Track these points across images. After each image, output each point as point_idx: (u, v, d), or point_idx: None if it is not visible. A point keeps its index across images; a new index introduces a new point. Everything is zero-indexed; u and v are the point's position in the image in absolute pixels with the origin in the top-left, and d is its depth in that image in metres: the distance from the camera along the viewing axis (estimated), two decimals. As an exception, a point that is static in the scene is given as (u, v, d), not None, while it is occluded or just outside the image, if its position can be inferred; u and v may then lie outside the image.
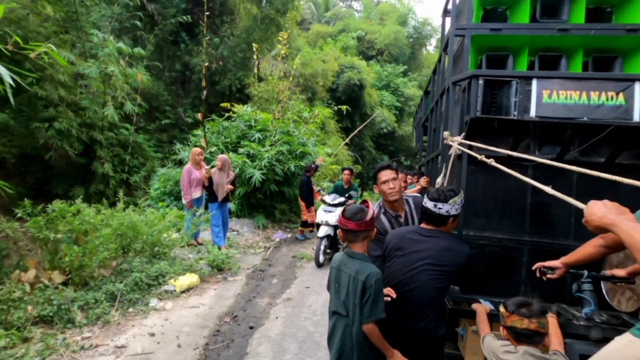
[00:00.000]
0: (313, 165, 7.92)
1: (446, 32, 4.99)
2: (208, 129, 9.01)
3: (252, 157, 8.40)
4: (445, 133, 2.86)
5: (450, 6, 4.46)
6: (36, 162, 9.34)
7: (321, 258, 6.04)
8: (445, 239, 2.10)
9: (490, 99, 2.51)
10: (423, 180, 4.51)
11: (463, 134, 2.64)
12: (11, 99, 2.22)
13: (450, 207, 2.05)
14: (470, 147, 2.47)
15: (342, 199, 6.43)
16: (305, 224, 8.05)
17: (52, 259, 3.84)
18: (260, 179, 7.84)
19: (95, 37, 10.52)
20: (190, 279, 4.51)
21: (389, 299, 1.98)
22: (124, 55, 10.78)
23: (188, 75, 16.01)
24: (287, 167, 8.42)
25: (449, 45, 3.87)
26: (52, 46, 2.51)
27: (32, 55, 2.51)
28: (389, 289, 2.03)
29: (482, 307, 2.08)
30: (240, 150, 8.62)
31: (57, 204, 3.93)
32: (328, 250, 6.25)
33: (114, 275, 4.10)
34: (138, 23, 13.16)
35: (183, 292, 4.35)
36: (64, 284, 3.73)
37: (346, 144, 16.46)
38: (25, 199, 3.88)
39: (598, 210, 1.25)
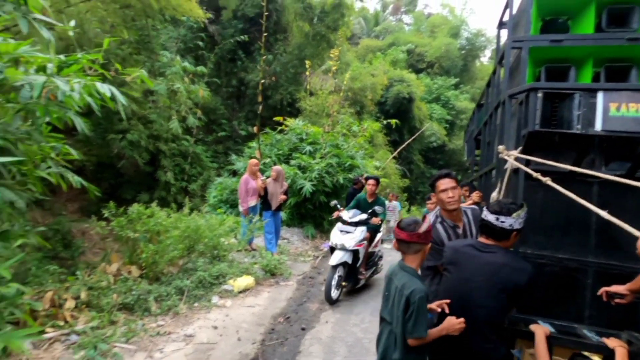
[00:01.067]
0: (361, 178, 7.94)
1: (502, 44, 4.90)
2: (262, 141, 9.46)
3: (303, 168, 8.68)
4: (500, 147, 2.76)
5: (506, 18, 4.38)
6: (109, 170, 10.40)
7: (334, 293, 4.65)
8: (505, 255, 1.96)
9: (550, 112, 2.42)
10: (475, 195, 4.33)
11: (520, 148, 2.55)
12: (98, 113, 2.59)
13: (514, 221, 1.92)
14: (527, 162, 2.36)
15: (363, 216, 5.03)
16: None
17: (130, 255, 4.31)
18: (311, 190, 8.07)
19: (164, 57, 11.57)
20: (246, 280, 4.79)
21: (439, 310, 1.96)
22: (188, 73, 11.76)
23: (243, 90, 16.95)
24: (336, 179, 8.59)
25: (505, 58, 3.78)
26: (144, 71, 2.89)
27: (128, 79, 2.89)
28: (442, 302, 1.97)
29: (542, 330, 1.93)
30: (292, 162, 8.95)
31: (136, 207, 4.42)
32: (344, 283, 4.89)
33: (181, 272, 4.49)
34: (200, 43, 14.25)
35: (240, 292, 4.63)
36: (140, 277, 4.15)
37: (394, 158, 16.35)
38: (111, 201, 4.41)
39: None
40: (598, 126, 2.29)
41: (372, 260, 5.53)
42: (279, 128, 10.56)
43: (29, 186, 2.44)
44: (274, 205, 6.31)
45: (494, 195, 2.85)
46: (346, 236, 4.83)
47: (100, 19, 9.07)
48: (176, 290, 4.14)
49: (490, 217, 1.98)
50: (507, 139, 2.91)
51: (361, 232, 4.90)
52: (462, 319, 1.86)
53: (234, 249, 5.67)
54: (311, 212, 8.65)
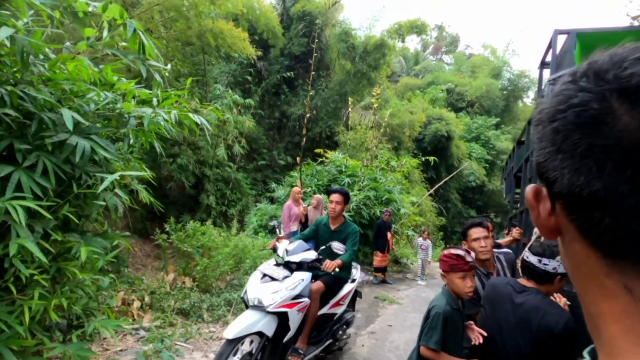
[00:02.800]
0: (388, 210, 7.97)
1: (544, 82, 5.03)
2: (303, 171, 9.86)
3: (341, 199, 8.92)
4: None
5: (548, 58, 4.53)
6: (156, 191, 11.18)
7: None
8: (542, 299, 1.83)
9: None
10: (515, 232, 4.24)
11: None
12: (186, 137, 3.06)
13: (558, 265, 1.82)
14: None
15: (309, 255, 3.20)
16: (377, 269, 7.97)
17: (185, 267, 4.67)
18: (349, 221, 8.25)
19: (217, 90, 12.57)
20: (287, 301, 5.01)
21: (477, 338, 1.98)
22: (237, 104, 12.66)
23: (284, 122, 17.76)
24: (372, 211, 8.73)
25: (547, 95, 3.94)
26: (217, 106, 3.37)
27: (205, 112, 3.35)
28: (480, 332, 1.98)
29: None
30: (331, 192, 9.23)
31: (192, 224, 4.84)
32: None
33: (228, 287, 4.78)
34: (249, 77, 15.32)
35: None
36: (192, 288, 4.49)
37: (430, 195, 16.23)
38: (171, 217, 4.87)
39: None
40: None
41: (326, 329, 3.49)
42: (320, 159, 10.96)
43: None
44: (313, 233, 6.54)
45: (536, 230, 2.85)
46: (268, 286, 2.89)
47: (164, 55, 10.11)
48: (225, 302, 4.44)
49: (532, 258, 1.89)
50: None
51: (298, 282, 2.99)
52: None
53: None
54: (346, 243, 8.79)
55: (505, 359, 1.86)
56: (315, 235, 3.71)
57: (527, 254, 1.94)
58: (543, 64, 5.18)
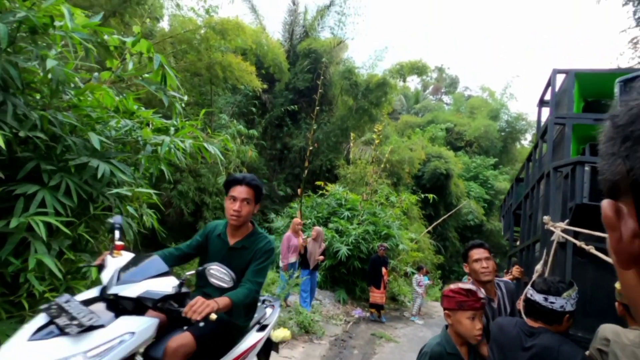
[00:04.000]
0: (383, 245, 7.96)
1: (543, 120, 5.16)
2: (303, 202, 9.95)
3: (341, 232, 8.96)
4: (546, 218, 2.71)
5: (547, 97, 4.68)
6: (156, 216, 11.21)
7: None
8: (552, 338, 1.74)
9: (598, 186, 2.45)
10: (515, 270, 4.03)
11: (567, 220, 2.49)
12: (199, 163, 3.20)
13: (565, 302, 1.73)
14: (576, 235, 2.30)
15: (162, 285, 1.75)
16: (372, 306, 7.84)
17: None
18: (347, 254, 8.25)
19: (223, 119, 12.91)
20: (284, 332, 4.92)
21: None
22: (240, 134, 12.96)
23: (285, 153, 18.05)
24: (371, 246, 8.74)
25: (548, 133, 3.85)
26: (227, 136, 3.54)
27: (216, 141, 3.51)
28: None
29: None
30: (330, 225, 9.28)
31: None
32: None
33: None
34: (253, 109, 15.79)
35: (278, 342, 4.76)
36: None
37: (428, 232, 16.24)
38: (172, 243, 4.90)
39: None
40: None
41: None
42: (320, 192, 11.10)
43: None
44: (312, 264, 6.55)
45: (538, 267, 2.76)
46: (44, 348, 1.37)
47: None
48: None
49: (537, 296, 1.78)
50: (553, 211, 2.87)
51: (117, 339, 1.51)
52: None
53: (270, 303, 5.89)
54: (345, 276, 8.72)
55: None
56: (203, 252, 2.33)
57: (530, 292, 1.83)
58: (542, 102, 5.38)
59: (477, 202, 22.64)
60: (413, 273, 9.91)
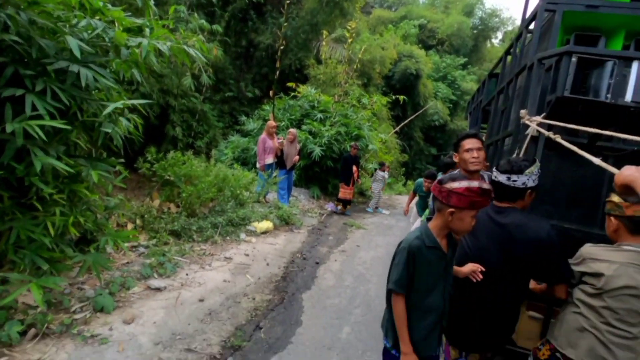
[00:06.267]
0: (356, 144, 8.24)
1: (529, 9, 4.97)
2: (275, 105, 9.90)
3: (314, 134, 9.21)
4: (523, 111, 2.67)
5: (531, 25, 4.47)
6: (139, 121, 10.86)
7: None
8: (520, 215, 1.84)
9: (581, 79, 2.30)
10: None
11: (543, 114, 2.50)
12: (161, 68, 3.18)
13: (527, 178, 1.82)
14: (549, 129, 2.33)
15: None
16: (339, 200, 8.34)
17: (169, 194, 4.96)
18: (320, 155, 8.66)
19: (182, 13, 11.69)
20: (267, 224, 5.52)
21: (469, 274, 1.82)
22: (202, 30, 11.91)
23: (252, 51, 16.97)
24: (343, 147, 9.15)
25: (537, 20, 3.56)
26: (202, 37, 3.42)
27: (189, 42, 3.41)
28: (476, 267, 1.82)
29: (538, 286, 1.95)
30: (304, 127, 9.45)
31: (174, 154, 5.08)
32: None
33: (211, 213, 5.16)
34: (213, 0, 14.23)
35: (262, 233, 5.37)
36: (177, 214, 4.83)
37: (396, 132, 16.82)
38: (152, 147, 5.02)
39: (626, 170, 1.23)
40: (629, 97, 2.19)
41: None
42: (292, 94, 10.96)
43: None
44: (288, 165, 6.92)
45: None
46: None
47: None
48: (211, 225, 4.85)
49: (501, 177, 1.88)
50: (531, 105, 2.78)
51: None
52: (479, 267, 1.81)
53: (251, 200, 6.36)
54: (318, 175, 9.29)
55: (491, 288, 1.81)
56: None
57: (495, 174, 1.93)
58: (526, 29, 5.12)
59: (444, 102, 23.17)
60: (376, 169, 10.53)
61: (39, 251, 2.43)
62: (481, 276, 1.79)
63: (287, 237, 5.56)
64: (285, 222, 6.11)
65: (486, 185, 1.58)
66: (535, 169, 1.84)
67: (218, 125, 14.23)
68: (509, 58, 5.13)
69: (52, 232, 2.43)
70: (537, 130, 2.41)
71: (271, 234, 5.52)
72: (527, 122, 2.51)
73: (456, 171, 3.69)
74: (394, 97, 12.96)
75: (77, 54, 2.32)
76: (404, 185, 18.18)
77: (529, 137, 2.50)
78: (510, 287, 1.83)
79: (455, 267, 1.83)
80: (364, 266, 4.89)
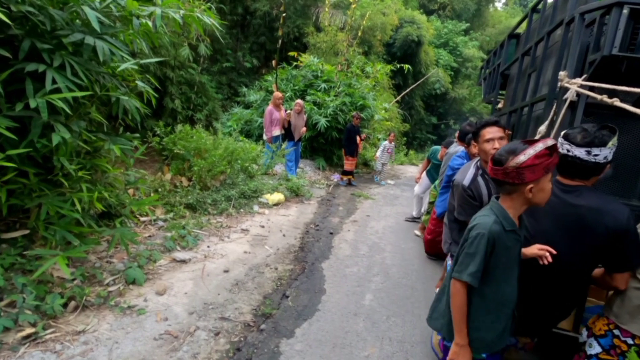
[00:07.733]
0: (358, 114, 8.07)
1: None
2: (277, 75, 9.70)
3: (319, 105, 9.08)
4: (562, 73, 2.37)
5: None
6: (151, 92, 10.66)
7: None
8: (595, 197, 1.58)
9: (631, 35, 2.04)
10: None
11: (584, 76, 2.24)
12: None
13: (609, 152, 1.53)
14: (592, 92, 2.07)
15: None
16: (344, 172, 8.29)
17: (180, 168, 4.95)
18: (325, 126, 8.58)
19: (177, -21, 11.18)
20: (278, 196, 5.57)
21: (546, 263, 1.54)
22: (198, -3, 11.47)
23: (248, 19, 16.39)
24: (348, 117, 9.04)
25: None
26: (212, 6, 3.29)
27: (198, 11, 3.29)
28: (542, 247, 1.56)
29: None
30: (308, 97, 9.30)
31: (182, 127, 5.04)
32: None
33: (223, 186, 5.18)
34: (208, -37, 13.56)
35: (274, 205, 5.42)
36: (189, 187, 4.84)
37: (397, 101, 16.60)
38: (160, 121, 4.94)
39: None
40: None
41: None
42: (294, 63, 10.69)
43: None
44: (296, 137, 6.87)
45: (542, 129, 2.51)
46: None
47: None
48: (225, 198, 4.88)
49: (578, 151, 1.56)
50: (570, 66, 2.46)
51: None
52: (547, 248, 1.55)
53: (259, 173, 6.36)
54: (323, 146, 9.24)
55: (556, 278, 1.64)
56: None
57: (567, 147, 1.59)
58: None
59: (445, 70, 22.71)
60: (384, 139, 10.46)
61: (68, 227, 2.45)
62: (551, 259, 1.53)
63: (299, 209, 5.62)
64: (295, 194, 6.16)
65: (550, 142, 1.37)
66: (615, 139, 1.55)
67: (217, 97, 13.99)
68: (535, 16, 4.71)
69: (79, 207, 2.43)
70: (577, 94, 2.15)
71: (283, 206, 5.58)
72: (567, 85, 2.25)
73: (456, 146, 3.44)
74: (398, 65, 12.67)
75: (96, 26, 2.23)
76: (406, 155, 18.16)
77: (567, 101, 2.24)
78: (576, 275, 1.65)
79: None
80: (376, 235, 4.98)
